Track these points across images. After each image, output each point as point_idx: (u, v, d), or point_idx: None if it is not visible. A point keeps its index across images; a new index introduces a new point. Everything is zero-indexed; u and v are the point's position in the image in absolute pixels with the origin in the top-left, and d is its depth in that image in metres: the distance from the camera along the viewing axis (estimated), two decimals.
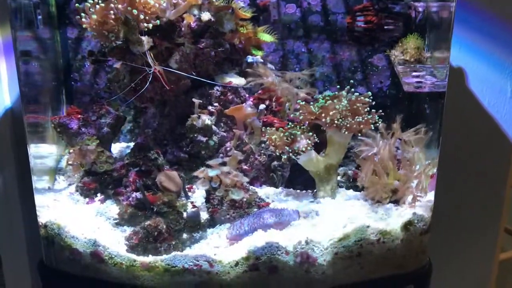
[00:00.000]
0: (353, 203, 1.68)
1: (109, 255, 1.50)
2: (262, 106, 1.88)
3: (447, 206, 2.05)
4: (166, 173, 1.69)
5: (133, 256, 1.50)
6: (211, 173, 1.63)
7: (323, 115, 1.64)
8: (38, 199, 1.63)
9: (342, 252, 1.48)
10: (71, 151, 1.70)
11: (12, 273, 2.12)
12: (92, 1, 1.61)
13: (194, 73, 1.82)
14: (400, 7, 1.95)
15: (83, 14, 1.60)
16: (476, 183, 2.19)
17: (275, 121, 1.87)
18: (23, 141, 1.73)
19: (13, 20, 1.58)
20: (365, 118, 1.60)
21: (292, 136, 1.67)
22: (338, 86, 1.77)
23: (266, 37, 2.01)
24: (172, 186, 1.67)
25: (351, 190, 1.78)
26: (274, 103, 1.91)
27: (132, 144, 2.10)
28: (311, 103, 1.75)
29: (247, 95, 1.93)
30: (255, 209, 1.65)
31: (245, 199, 1.64)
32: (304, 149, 1.64)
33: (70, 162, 1.70)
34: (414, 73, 1.66)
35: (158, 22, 1.65)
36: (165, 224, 1.57)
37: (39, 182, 1.69)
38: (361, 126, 1.60)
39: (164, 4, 1.65)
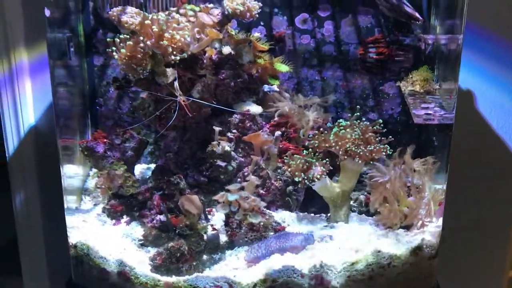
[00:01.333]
0: (365, 228, 1.77)
1: (135, 275, 1.59)
2: (278, 133, 1.98)
3: (457, 225, 2.11)
4: (188, 197, 1.78)
5: (157, 276, 1.59)
6: (231, 197, 1.72)
7: (337, 144, 1.74)
8: (68, 219, 1.74)
9: (354, 275, 1.56)
10: (99, 175, 1.81)
11: None
12: (122, 37, 1.72)
13: (214, 102, 1.92)
14: (410, 40, 2.05)
15: (113, 48, 1.72)
16: (486, 202, 2.25)
17: (291, 147, 1.96)
18: (46, 160, 1.83)
19: (51, 52, 1.70)
20: (377, 147, 1.69)
21: (307, 164, 1.76)
22: (350, 115, 1.86)
23: (282, 68, 2.10)
24: (193, 209, 1.76)
25: (363, 215, 1.87)
26: (289, 130, 2.01)
27: (152, 166, 2.21)
28: (325, 131, 1.84)
29: (263, 122, 2.03)
30: (272, 233, 1.75)
31: (262, 223, 1.73)
32: (319, 176, 1.73)
33: (98, 186, 1.80)
34: (423, 105, 1.75)
35: (185, 55, 1.76)
36: (187, 245, 1.66)
37: (68, 203, 1.80)
38: (373, 154, 1.69)
39: (188, 39, 1.76)
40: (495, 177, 2.23)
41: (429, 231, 1.67)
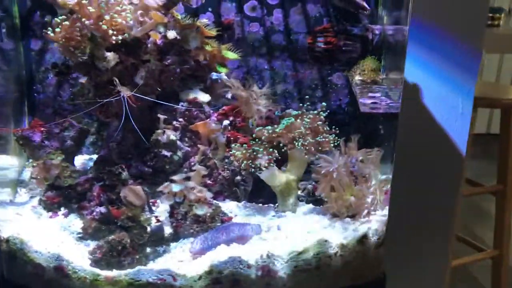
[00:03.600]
0: (312, 218, 1.76)
1: (72, 269, 1.50)
2: (226, 122, 1.94)
3: (401, 216, 2.14)
4: (131, 188, 1.70)
5: (97, 270, 1.51)
6: (175, 188, 1.66)
7: (285, 136, 1.71)
8: (2, 213, 1.62)
9: (301, 265, 1.54)
10: (35, 164, 1.70)
11: None
12: (61, 18, 1.62)
13: (159, 89, 1.85)
14: (358, 30, 2.05)
15: (50, 29, 1.61)
16: (429, 193, 2.27)
17: (239, 136, 1.92)
18: None
19: None
20: (325, 139, 1.68)
21: (254, 153, 1.73)
22: (300, 105, 1.85)
23: (230, 55, 2.06)
24: (136, 200, 1.69)
25: (310, 204, 1.85)
26: (237, 120, 1.97)
27: (95, 157, 2.11)
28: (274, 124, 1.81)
29: (211, 111, 1.97)
30: (219, 224, 1.70)
31: (208, 214, 1.68)
32: (266, 164, 1.70)
33: (33, 176, 1.69)
34: (370, 94, 1.75)
35: (127, 35, 1.67)
36: (129, 238, 1.59)
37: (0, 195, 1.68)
38: (321, 146, 1.68)
39: (131, 22, 1.68)
40: (440, 169, 2.27)
41: (376, 219, 1.68)
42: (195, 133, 1.91)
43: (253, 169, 1.71)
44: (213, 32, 1.98)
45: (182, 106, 1.90)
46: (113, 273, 1.50)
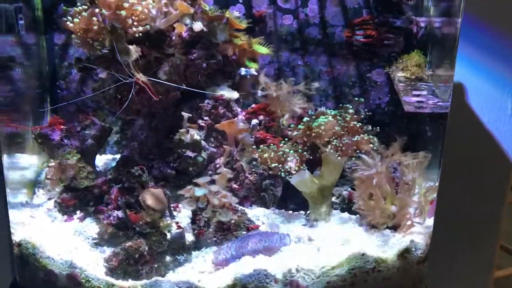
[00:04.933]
0: (348, 228, 1.59)
1: (86, 278, 1.41)
2: (254, 121, 1.80)
3: (445, 224, 1.99)
4: (151, 191, 1.59)
5: (111, 280, 1.41)
6: (198, 192, 1.53)
7: (319, 135, 1.56)
8: (13, 214, 1.53)
9: (334, 281, 1.39)
10: (50, 164, 1.60)
11: None
12: (80, 7, 1.51)
13: (184, 85, 1.73)
14: (401, 22, 1.87)
15: (69, 18, 1.51)
16: (474, 201, 2.14)
17: (268, 137, 1.78)
18: None
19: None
20: (364, 138, 1.51)
21: (284, 155, 1.58)
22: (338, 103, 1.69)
23: (262, 49, 1.92)
24: (156, 204, 1.57)
25: (346, 213, 1.69)
26: (267, 119, 1.83)
27: (118, 157, 2.01)
28: (307, 119, 1.66)
29: (239, 109, 1.84)
30: (244, 232, 1.56)
31: (233, 221, 1.55)
32: (297, 168, 1.55)
33: (49, 177, 1.59)
34: (415, 92, 1.58)
35: (148, 27, 1.55)
36: (147, 245, 1.48)
37: (14, 196, 1.59)
38: (359, 146, 1.52)
39: (154, 12, 1.56)
40: (485, 175, 2.11)
41: (419, 232, 1.50)
42: (221, 132, 1.78)
43: (282, 173, 1.56)
44: (243, 25, 1.84)
45: (208, 103, 1.77)
46: (129, 283, 1.40)
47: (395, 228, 1.52)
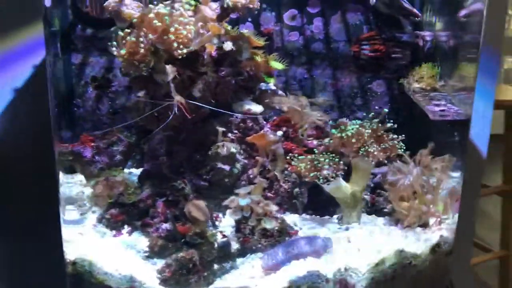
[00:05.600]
0: (379, 228, 1.73)
1: None
2: (279, 133, 1.90)
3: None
4: (194, 203, 1.65)
5: None
6: (243, 202, 1.62)
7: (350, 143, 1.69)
8: (65, 233, 1.56)
9: (378, 276, 1.51)
10: (99, 182, 1.64)
11: None
12: (122, 33, 1.57)
13: (213, 101, 1.81)
14: (407, 36, 2.04)
15: (114, 43, 1.57)
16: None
17: (294, 147, 1.89)
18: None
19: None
20: (391, 144, 1.66)
21: (319, 164, 1.70)
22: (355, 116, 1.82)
23: (278, 65, 2.02)
24: (200, 215, 1.64)
25: (373, 215, 1.83)
26: (290, 130, 1.94)
27: (134, 170, 2.06)
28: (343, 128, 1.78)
29: (264, 122, 1.94)
30: (286, 238, 1.66)
31: (276, 228, 1.65)
32: (334, 175, 1.67)
33: (97, 194, 1.63)
34: (434, 101, 1.74)
35: (192, 48, 1.63)
36: (199, 255, 1.55)
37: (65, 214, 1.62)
38: (388, 152, 1.66)
39: (194, 34, 1.64)
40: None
41: (446, 227, 1.66)
42: (250, 145, 1.87)
43: (319, 181, 1.68)
44: (262, 42, 1.95)
45: (236, 118, 1.86)
46: None
47: (424, 225, 1.67)
